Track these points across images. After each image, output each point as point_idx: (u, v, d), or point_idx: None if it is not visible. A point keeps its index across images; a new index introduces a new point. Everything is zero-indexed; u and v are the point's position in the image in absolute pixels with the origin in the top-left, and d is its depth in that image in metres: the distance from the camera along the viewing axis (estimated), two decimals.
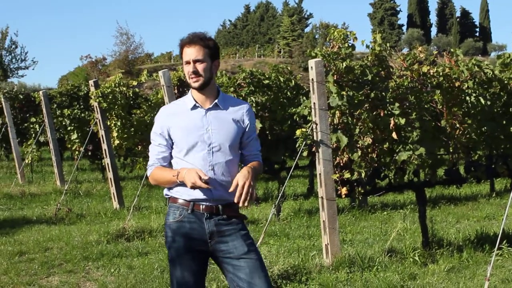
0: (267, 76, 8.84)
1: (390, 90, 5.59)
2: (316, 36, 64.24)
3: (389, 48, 5.63)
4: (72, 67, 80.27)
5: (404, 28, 75.27)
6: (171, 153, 3.19)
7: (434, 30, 78.86)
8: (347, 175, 5.54)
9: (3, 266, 6.06)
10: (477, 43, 68.93)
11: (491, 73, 5.89)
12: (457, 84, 5.72)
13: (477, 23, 77.72)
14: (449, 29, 76.09)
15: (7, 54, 46.91)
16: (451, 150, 5.93)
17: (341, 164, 5.66)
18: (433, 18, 79.28)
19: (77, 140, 12.19)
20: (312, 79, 5.65)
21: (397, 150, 5.59)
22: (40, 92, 12.21)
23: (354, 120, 5.55)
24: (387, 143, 5.59)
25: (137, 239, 7.02)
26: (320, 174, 5.75)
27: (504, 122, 6.05)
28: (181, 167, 3.08)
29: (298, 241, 6.85)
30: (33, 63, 48.00)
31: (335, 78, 5.51)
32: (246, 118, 3.22)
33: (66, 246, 6.84)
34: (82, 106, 13.13)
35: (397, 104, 5.52)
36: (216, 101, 3.16)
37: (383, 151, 5.62)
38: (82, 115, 12.28)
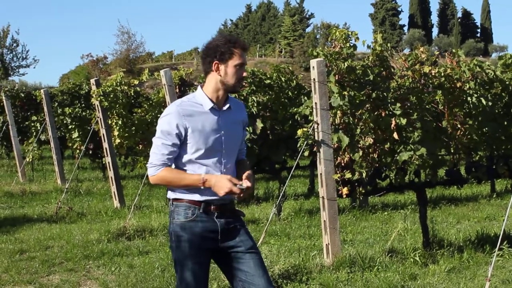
0: (268, 76, 8.85)
1: (392, 90, 5.59)
2: (317, 36, 64.15)
3: (390, 48, 5.63)
4: (73, 66, 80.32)
5: (406, 28, 75.10)
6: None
7: (435, 31, 78.78)
8: (348, 175, 5.55)
9: (4, 265, 6.07)
10: (478, 43, 68.82)
11: (493, 74, 5.89)
12: (458, 84, 5.71)
13: (478, 24, 77.60)
14: (450, 29, 75.95)
15: (9, 53, 47.07)
16: (452, 151, 5.93)
17: (342, 164, 5.67)
18: (434, 18, 79.20)
19: (78, 139, 12.19)
20: (314, 79, 5.65)
21: (398, 151, 5.59)
22: (42, 91, 12.23)
23: (356, 120, 5.56)
24: (388, 143, 5.59)
25: (138, 238, 7.02)
26: (321, 174, 5.75)
27: (505, 123, 6.05)
28: (204, 173, 3.10)
29: (299, 241, 6.85)
30: (34, 61, 48.24)
31: (336, 78, 5.51)
32: (245, 117, 3.36)
33: (66, 245, 6.84)
34: (83, 105, 13.13)
35: (398, 105, 5.52)
36: (229, 104, 3.21)
37: (384, 151, 5.62)
38: (83, 113, 12.28)
